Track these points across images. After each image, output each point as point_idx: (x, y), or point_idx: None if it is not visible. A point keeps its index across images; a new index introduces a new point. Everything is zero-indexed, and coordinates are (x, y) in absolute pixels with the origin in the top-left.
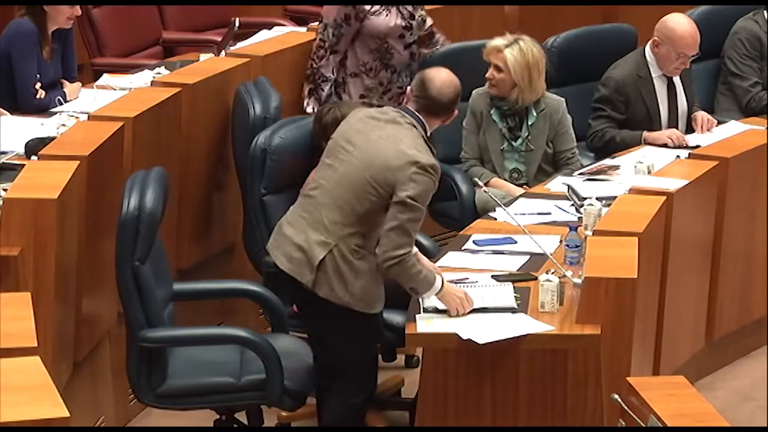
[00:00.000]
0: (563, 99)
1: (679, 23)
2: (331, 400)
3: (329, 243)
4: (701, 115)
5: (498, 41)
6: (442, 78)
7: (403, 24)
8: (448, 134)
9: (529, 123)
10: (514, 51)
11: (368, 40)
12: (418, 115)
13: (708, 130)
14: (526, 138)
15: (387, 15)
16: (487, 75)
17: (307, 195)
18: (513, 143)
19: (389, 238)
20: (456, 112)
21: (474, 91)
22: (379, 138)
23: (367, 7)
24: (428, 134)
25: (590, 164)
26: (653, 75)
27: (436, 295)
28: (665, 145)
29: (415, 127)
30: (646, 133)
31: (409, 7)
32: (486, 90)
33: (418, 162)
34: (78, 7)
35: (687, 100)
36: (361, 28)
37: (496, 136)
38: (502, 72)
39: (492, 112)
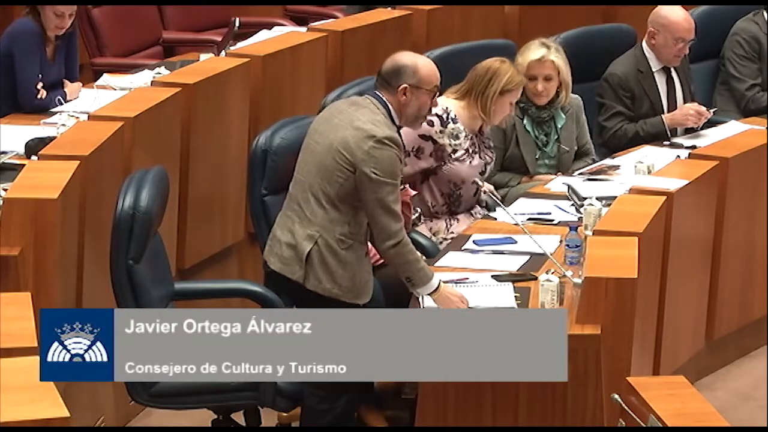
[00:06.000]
0: (578, 96)
1: (672, 11)
2: (306, 403)
3: (314, 235)
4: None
5: (534, 53)
6: (390, 56)
7: (481, 170)
8: None
9: (559, 126)
10: (558, 54)
11: (443, 183)
12: (380, 95)
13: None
14: (555, 140)
15: (470, 161)
16: (537, 91)
17: (289, 193)
18: (545, 149)
19: (377, 222)
20: (404, 91)
21: None
22: (340, 121)
23: (449, 150)
24: (391, 110)
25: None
26: (653, 69)
27: (431, 295)
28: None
29: (376, 105)
30: (666, 116)
31: (488, 153)
32: None
33: (374, 136)
34: (66, 17)
35: (684, 95)
36: (437, 168)
37: (531, 146)
38: (552, 80)
39: (524, 122)
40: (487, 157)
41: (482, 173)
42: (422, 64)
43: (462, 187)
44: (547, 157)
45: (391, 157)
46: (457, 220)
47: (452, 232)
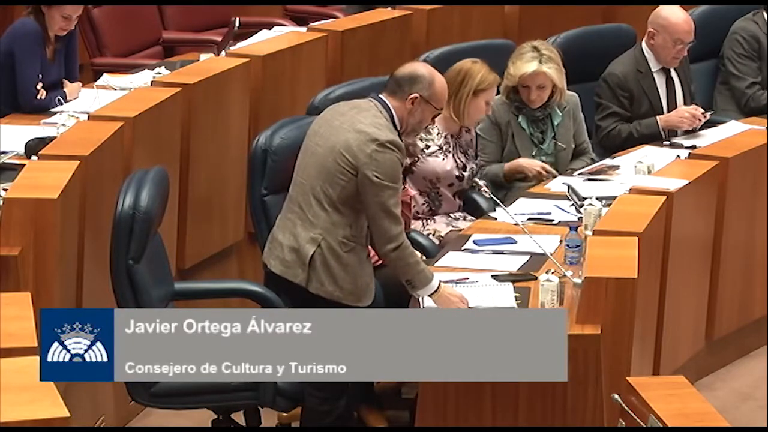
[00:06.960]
0: (575, 93)
1: (672, 12)
2: (307, 404)
3: (317, 238)
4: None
5: (527, 65)
6: (409, 63)
7: (457, 173)
8: None
9: (556, 123)
10: (549, 65)
11: (419, 181)
12: (384, 98)
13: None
14: (552, 138)
15: (444, 158)
16: (530, 99)
17: (289, 196)
18: (542, 146)
19: (377, 225)
20: (413, 100)
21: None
22: (341, 124)
23: (421, 145)
24: (394, 116)
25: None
26: (653, 69)
27: (431, 296)
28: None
29: (379, 109)
30: (660, 118)
31: (462, 157)
32: (504, 100)
33: (377, 139)
34: (72, 20)
35: (684, 95)
36: (412, 166)
37: (527, 143)
38: (545, 88)
39: (519, 120)
40: (459, 161)
41: (459, 178)
42: (438, 80)
43: (439, 185)
44: (544, 154)
45: (393, 161)
46: (434, 220)
47: (428, 230)
